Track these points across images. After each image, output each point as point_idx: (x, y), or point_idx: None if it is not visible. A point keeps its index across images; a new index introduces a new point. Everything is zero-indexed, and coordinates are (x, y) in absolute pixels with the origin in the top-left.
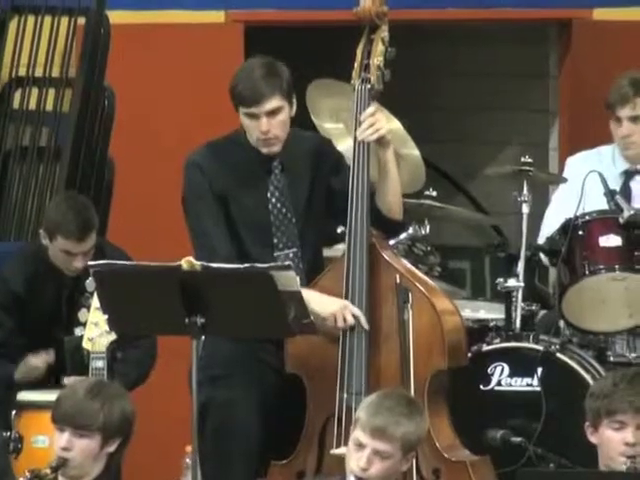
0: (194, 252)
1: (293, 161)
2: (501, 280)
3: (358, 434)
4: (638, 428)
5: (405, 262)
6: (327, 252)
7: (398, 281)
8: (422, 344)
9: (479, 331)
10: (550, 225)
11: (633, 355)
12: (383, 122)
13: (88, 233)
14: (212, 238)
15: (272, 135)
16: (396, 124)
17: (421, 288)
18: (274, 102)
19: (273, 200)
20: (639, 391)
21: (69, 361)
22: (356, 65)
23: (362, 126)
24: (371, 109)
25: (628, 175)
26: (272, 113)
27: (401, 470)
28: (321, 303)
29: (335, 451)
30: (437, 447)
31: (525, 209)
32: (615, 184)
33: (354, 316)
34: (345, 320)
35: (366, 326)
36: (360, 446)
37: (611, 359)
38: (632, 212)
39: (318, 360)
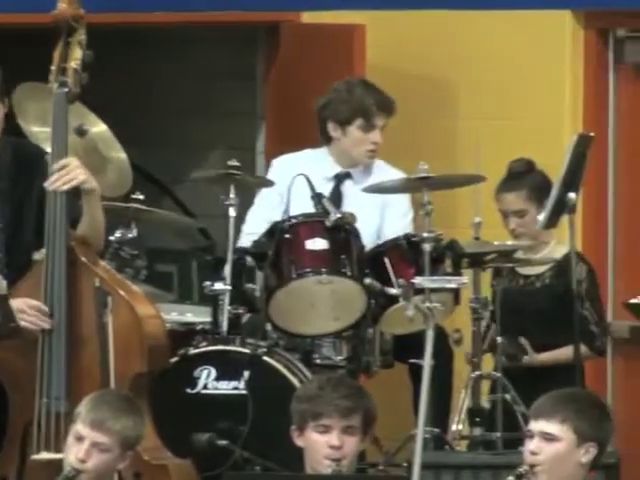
0: None
1: (3, 167)
2: (208, 283)
3: (78, 427)
4: (343, 431)
5: (106, 266)
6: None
7: (97, 285)
8: (121, 347)
9: (186, 334)
10: (252, 228)
11: (339, 358)
12: (76, 173)
13: None
14: None
15: None
16: (102, 127)
17: (121, 292)
18: None
19: None
20: (344, 394)
21: None
22: (53, 68)
23: (51, 178)
24: (63, 162)
25: (340, 178)
26: None
27: (117, 467)
28: None
29: (35, 456)
30: (137, 450)
31: (232, 212)
32: (324, 188)
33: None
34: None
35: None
36: (79, 439)
37: (318, 362)
38: (338, 215)
39: (17, 365)
